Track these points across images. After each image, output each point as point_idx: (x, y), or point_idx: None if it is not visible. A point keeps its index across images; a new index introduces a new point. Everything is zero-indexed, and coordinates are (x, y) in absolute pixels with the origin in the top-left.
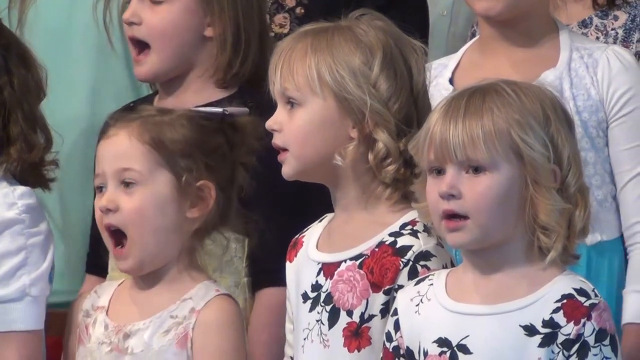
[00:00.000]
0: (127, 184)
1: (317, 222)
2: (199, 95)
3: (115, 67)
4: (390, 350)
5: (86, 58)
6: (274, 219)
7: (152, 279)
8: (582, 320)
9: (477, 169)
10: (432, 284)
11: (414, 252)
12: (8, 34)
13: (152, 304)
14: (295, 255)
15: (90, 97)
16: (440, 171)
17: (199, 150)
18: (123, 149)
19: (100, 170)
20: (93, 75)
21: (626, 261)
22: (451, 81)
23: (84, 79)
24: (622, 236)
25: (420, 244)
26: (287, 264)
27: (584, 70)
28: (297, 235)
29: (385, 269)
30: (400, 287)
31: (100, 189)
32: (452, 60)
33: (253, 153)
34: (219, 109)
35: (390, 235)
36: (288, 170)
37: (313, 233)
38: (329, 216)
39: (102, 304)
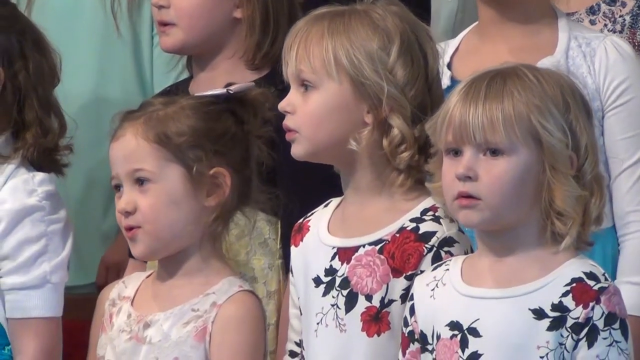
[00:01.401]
0: (141, 183)
1: (322, 206)
2: (230, 77)
3: (121, 54)
4: (406, 335)
5: (91, 43)
6: (303, 200)
7: (175, 270)
8: (591, 304)
9: (494, 152)
10: (448, 269)
11: (438, 238)
12: (23, 19)
13: (175, 296)
14: (302, 240)
15: (95, 82)
16: (457, 152)
17: (206, 138)
18: (131, 150)
19: (115, 173)
20: (98, 61)
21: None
22: (449, 66)
23: (89, 64)
24: (614, 225)
25: (443, 229)
26: (292, 248)
27: (581, 59)
28: (302, 220)
29: (407, 255)
30: (423, 272)
31: (117, 187)
32: (450, 45)
33: (268, 124)
34: (223, 90)
35: (412, 221)
36: (299, 150)
37: (321, 217)
38: (334, 201)
39: (128, 294)
